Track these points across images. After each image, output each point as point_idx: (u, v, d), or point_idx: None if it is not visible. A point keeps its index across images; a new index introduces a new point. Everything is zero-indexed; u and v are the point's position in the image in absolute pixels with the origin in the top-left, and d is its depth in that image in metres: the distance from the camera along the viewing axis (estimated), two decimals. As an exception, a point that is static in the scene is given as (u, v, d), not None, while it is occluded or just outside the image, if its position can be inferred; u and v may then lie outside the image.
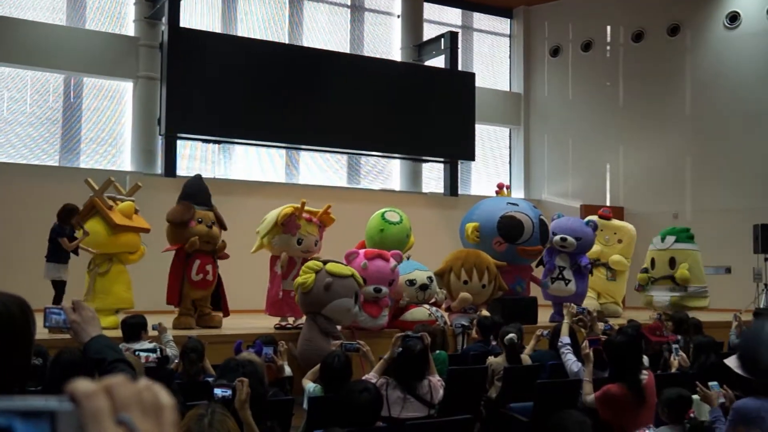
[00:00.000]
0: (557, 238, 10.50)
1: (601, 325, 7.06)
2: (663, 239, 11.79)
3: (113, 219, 8.42)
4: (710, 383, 5.07)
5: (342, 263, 7.78)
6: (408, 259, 9.32)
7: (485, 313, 9.04)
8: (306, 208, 8.76)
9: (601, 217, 12.18)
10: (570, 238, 10.53)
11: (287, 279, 8.53)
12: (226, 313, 9.05)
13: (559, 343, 6.09)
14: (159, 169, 13.75)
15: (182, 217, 8.56)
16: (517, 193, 17.84)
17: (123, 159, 13.90)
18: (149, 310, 10.33)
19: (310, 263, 7.60)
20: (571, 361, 5.87)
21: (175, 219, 8.60)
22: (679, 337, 7.50)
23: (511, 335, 6.52)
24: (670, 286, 11.60)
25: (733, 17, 15.75)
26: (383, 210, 9.61)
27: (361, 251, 8.55)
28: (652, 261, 11.82)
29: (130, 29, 14.04)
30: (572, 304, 6.78)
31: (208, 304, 8.86)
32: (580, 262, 10.69)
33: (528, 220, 10.25)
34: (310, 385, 5.34)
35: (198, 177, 9.18)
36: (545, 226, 10.48)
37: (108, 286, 8.53)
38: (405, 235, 9.47)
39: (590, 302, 11.25)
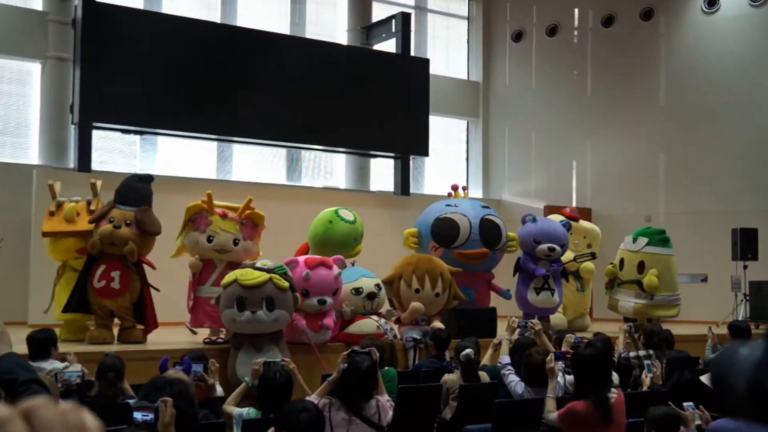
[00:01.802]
0: (544, 247, 10.49)
1: (571, 338, 7.19)
2: (635, 240, 11.90)
3: (43, 227, 8.92)
4: (685, 403, 5.22)
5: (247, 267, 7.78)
6: (353, 265, 9.36)
7: (439, 325, 9.14)
8: (222, 203, 8.76)
9: (570, 218, 12.25)
10: (558, 248, 10.63)
11: (204, 285, 8.53)
12: (148, 328, 8.96)
13: (499, 363, 6.20)
14: (71, 162, 13.54)
15: (94, 218, 8.65)
16: (475, 193, 17.97)
17: (29, 151, 13.65)
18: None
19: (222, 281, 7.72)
20: (513, 382, 5.99)
21: (90, 221, 8.73)
22: (651, 351, 7.68)
23: (467, 351, 6.59)
24: (636, 292, 11.76)
25: (712, 0, 16.11)
26: (337, 207, 9.73)
27: (302, 258, 8.52)
28: (621, 261, 11.98)
29: (37, 2, 13.79)
30: (513, 318, 6.90)
31: (129, 315, 8.78)
32: (557, 267, 10.81)
33: (465, 221, 10.41)
34: (238, 411, 5.34)
35: (133, 176, 9.24)
36: (492, 227, 10.58)
37: (58, 296, 9.02)
38: (353, 239, 9.52)
39: (558, 317, 11.37)
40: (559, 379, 5.86)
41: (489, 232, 10.51)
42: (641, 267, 11.74)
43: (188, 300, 8.77)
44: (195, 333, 8.87)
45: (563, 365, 6.28)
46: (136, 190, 8.96)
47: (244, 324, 7.47)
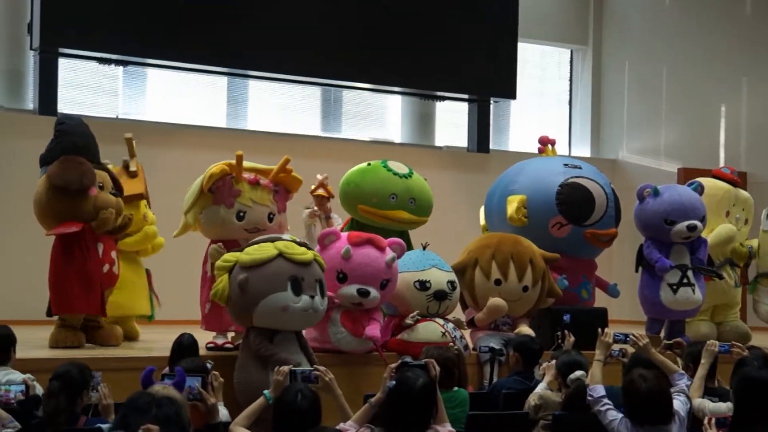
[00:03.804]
0: (682, 227, 10.27)
1: (714, 346, 7.11)
2: None
3: None
4: None
5: (286, 240, 7.62)
6: (424, 249, 9.28)
7: (527, 330, 9.10)
8: (250, 164, 8.73)
9: (726, 180, 11.90)
10: (700, 224, 10.43)
11: None
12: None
13: (590, 397, 6.11)
14: (30, 102, 13.71)
15: (82, 181, 8.52)
16: (581, 150, 17.84)
17: (-27, 86, 13.87)
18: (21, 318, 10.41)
19: (222, 260, 7.49)
20: (616, 420, 5.90)
21: (73, 183, 8.46)
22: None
23: (578, 373, 6.56)
24: (766, 289, 11.46)
25: None
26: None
27: (345, 233, 8.54)
28: (759, 248, 11.59)
29: None
30: (608, 331, 6.78)
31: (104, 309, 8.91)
32: (701, 255, 10.62)
33: (599, 189, 10.26)
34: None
35: (81, 121, 9.15)
36: (618, 201, 10.55)
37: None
38: (390, 194, 9.50)
39: (701, 322, 11.17)
40: (678, 407, 5.79)
41: (618, 207, 10.47)
42: None
43: (204, 297, 8.65)
44: (221, 345, 8.47)
45: (686, 384, 6.24)
46: (95, 141, 8.98)
47: (299, 314, 7.37)
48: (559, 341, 8.60)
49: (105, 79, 14.45)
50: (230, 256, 7.43)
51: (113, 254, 8.79)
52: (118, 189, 8.93)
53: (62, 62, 13.74)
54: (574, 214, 10.20)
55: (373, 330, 8.24)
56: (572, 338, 8.43)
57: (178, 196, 9.20)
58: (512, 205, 10.30)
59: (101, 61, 14.00)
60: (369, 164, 9.78)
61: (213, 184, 8.49)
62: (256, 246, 7.46)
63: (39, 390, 5.96)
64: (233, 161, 8.59)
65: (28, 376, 6.06)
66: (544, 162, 10.82)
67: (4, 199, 12.34)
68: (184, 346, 6.85)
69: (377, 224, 9.42)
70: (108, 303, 8.90)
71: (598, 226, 10.25)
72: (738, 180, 12.06)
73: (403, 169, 9.73)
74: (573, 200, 10.20)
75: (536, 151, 11.23)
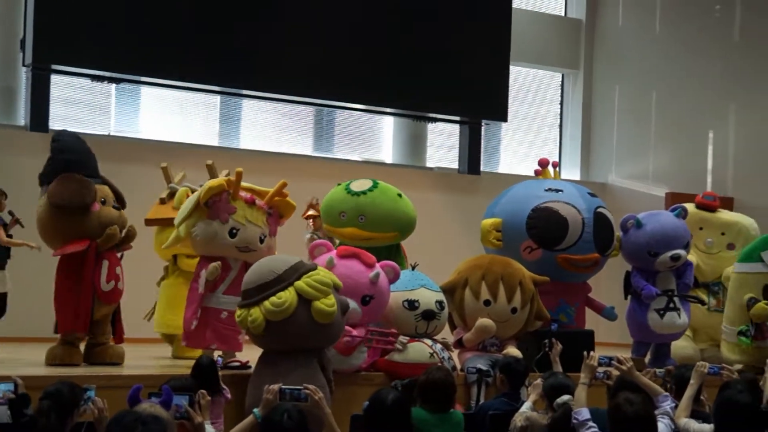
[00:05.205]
0: (665, 258, 10.32)
1: (704, 367, 7.07)
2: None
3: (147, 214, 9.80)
4: None
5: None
6: (413, 269, 9.26)
7: (514, 352, 9.07)
8: (247, 184, 8.72)
9: (701, 206, 11.95)
10: (683, 253, 10.46)
11: (215, 292, 8.49)
12: (120, 340, 9.13)
13: (575, 420, 6.06)
14: (21, 118, 13.68)
15: (83, 199, 8.56)
16: (571, 174, 17.82)
17: (-36, 103, 13.83)
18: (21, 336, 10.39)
19: (321, 276, 7.39)
20: None
21: (74, 201, 8.55)
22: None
23: (565, 398, 6.53)
24: None
25: None
26: (368, 179, 9.92)
27: (337, 248, 8.58)
28: (765, 288, 11.07)
29: None
30: (593, 354, 6.74)
31: (107, 328, 8.94)
32: (687, 280, 10.63)
33: (574, 213, 10.27)
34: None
35: (76, 137, 9.18)
36: (606, 225, 10.52)
37: (163, 304, 10.17)
38: (340, 213, 9.57)
39: (686, 345, 11.16)
40: (662, 430, 5.76)
41: (603, 231, 10.44)
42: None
43: (190, 313, 8.60)
44: (237, 363, 8.48)
45: (671, 407, 6.23)
46: (93, 156, 9.04)
47: None
48: (546, 349, 8.62)
49: (97, 96, 14.41)
50: (326, 275, 7.46)
51: (118, 270, 8.82)
52: (120, 202, 8.94)
53: (54, 79, 13.73)
54: (544, 238, 10.28)
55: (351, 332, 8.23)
56: (559, 346, 8.47)
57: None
58: (485, 228, 10.46)
59: (94, 78, 13.96)
60: (339, 185, 9.89)
61: (210, 198, 8.49)
62: (317, 271, 7.44)
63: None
64: (232, 177, 8.62)
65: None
66: (526, 186, 10.88)
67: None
68: (203, 368, 6.86)
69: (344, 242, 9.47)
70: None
71: (573, 250, 10.27)
72: (713, 204, 12.01)
73: (362, 186, 9.70)
74: (543, 225, 10.26)
75: (527, 173, 11.24)
